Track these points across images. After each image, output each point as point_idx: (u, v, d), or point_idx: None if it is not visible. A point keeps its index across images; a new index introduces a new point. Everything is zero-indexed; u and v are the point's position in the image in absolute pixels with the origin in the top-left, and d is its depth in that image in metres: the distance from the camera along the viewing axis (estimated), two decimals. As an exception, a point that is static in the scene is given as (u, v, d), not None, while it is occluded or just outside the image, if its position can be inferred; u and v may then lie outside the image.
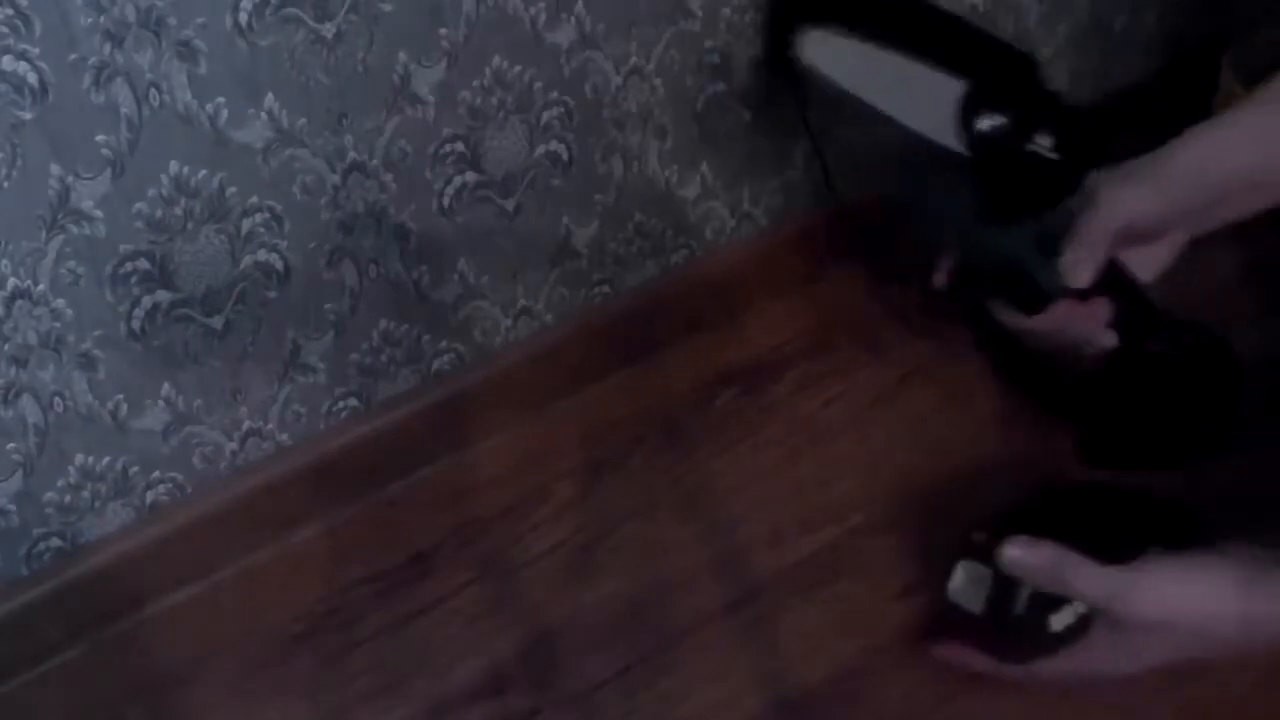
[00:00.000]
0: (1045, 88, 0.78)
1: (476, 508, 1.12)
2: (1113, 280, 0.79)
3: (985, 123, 0.74)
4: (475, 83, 0.97)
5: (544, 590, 1.06)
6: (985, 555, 0.92)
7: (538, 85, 1.00)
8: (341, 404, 1.09)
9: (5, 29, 0.74)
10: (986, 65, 0.77)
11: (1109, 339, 0.80)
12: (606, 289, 1.19)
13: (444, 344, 1.12)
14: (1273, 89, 0.81)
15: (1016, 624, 0.88)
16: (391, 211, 0.99)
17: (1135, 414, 1.00)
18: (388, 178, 0.97)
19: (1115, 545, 0.88)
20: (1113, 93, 1.47)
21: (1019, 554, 0.82)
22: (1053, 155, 0.75)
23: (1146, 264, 0.81)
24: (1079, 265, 0.76)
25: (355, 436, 1.10)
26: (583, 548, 1.09)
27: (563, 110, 1.03)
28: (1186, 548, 0.88)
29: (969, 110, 0.75)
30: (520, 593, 1.06)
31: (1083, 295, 0.78)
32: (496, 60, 0.97)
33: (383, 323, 1.06)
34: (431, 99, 0.95)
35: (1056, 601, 0.88)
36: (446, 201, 1.02)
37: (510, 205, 1.06)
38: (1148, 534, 0.90)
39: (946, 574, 0.94)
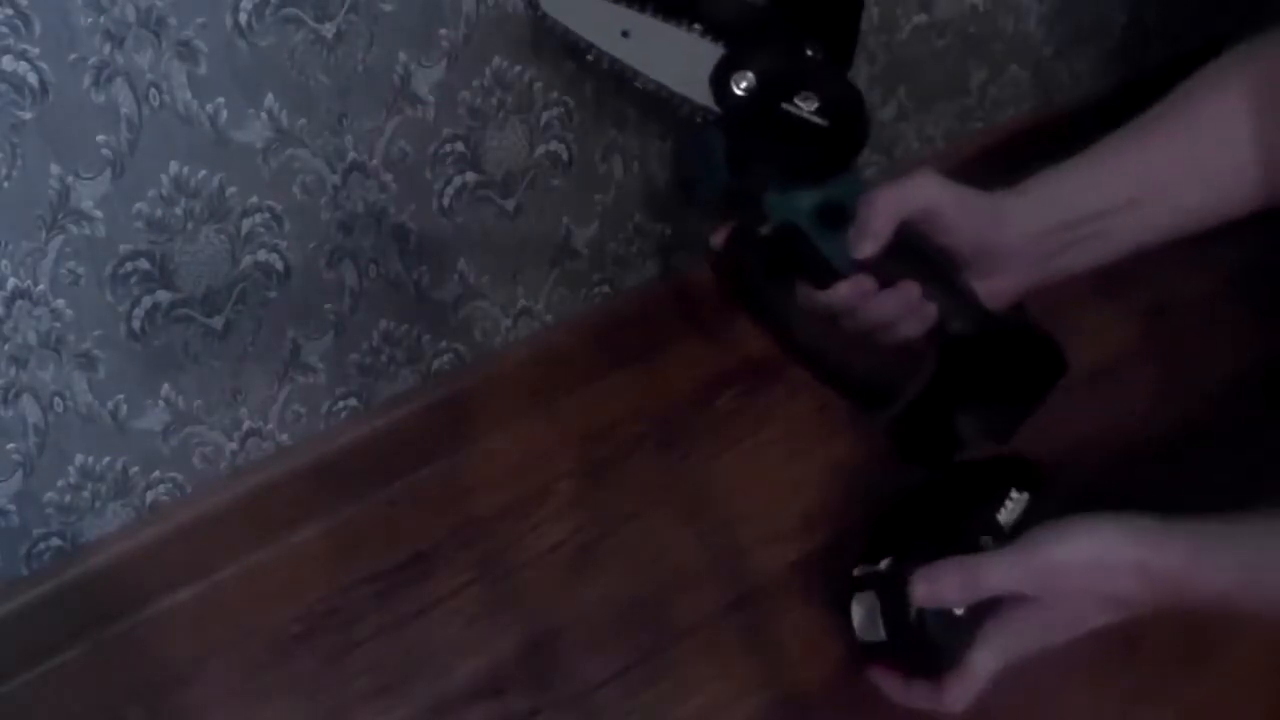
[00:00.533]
0: (818, 57, 0.76)
1: (476, 508, 1.12)
2: (918, 262, 0.75)
3: (736, 80, 0.74)
4: (475, 83, 0.97)
5: (544, 590, 1.06)
6: (871, 583, 0.92)
7: (538, 85, 1.00)
8: (341, 404, 1.09)
9: (5, 29, 0.74)
10: (746, 30, 0.76)
11: (912, 326, 0.76)
12: (606, 289, 1.19)
13: (444, 344, 1.12)
14: (1131, 126, 0.80)
15: (919, 634, 0.88)
16: (391, 211, 0.99)
17: (940, 401, 0.96)
18: (388, 178, 0.97)
19: (986, 520, 0.92)
20: (1113, 92, 1.47)
21: (926, 588, 0.81)
22: (815, 118, 0.73)
23: (988, 295, 0.77)
24: (863, 234, 0.73)
25: (355, 436, 1.10)
26: (583, 548, 1.09)
27: (563, 110, 1.03)
28: (1048, 496, 0.92)
29: (723, 68, 0.74)
30: (520, 593, 1.06)
31: (882, 275, 0.75)
32: (496, 60, 0.97)
33: (383, 323, 1.06)
34: (431, 99, 0.95)
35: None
36: (446, 201, 1.02)
37: (510, 205, 1.06)
38: (1004, 494, 0.93)
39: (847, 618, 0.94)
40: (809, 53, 0.75)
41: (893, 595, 0.88)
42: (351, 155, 0.94)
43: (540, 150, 1.05)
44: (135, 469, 1.00)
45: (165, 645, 1.03)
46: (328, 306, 1.01)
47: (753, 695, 0.98)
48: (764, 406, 1.20)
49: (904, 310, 0.75)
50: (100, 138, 0.82)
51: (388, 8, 0.88)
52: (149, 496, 1.02)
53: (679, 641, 1.02)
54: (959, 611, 0.85)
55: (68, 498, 0.97)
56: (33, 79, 0.77)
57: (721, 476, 1.14)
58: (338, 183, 0.95)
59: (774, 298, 0.79)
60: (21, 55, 0.76)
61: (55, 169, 0.81)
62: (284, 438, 1.07)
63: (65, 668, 1.01)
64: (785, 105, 0.72)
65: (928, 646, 0.87)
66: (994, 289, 0.76)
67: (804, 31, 0.77)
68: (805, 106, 0.73)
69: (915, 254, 0.75)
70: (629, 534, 1.09)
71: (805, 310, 0.78)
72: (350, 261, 1.00)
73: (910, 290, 0.74)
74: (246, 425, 1.04)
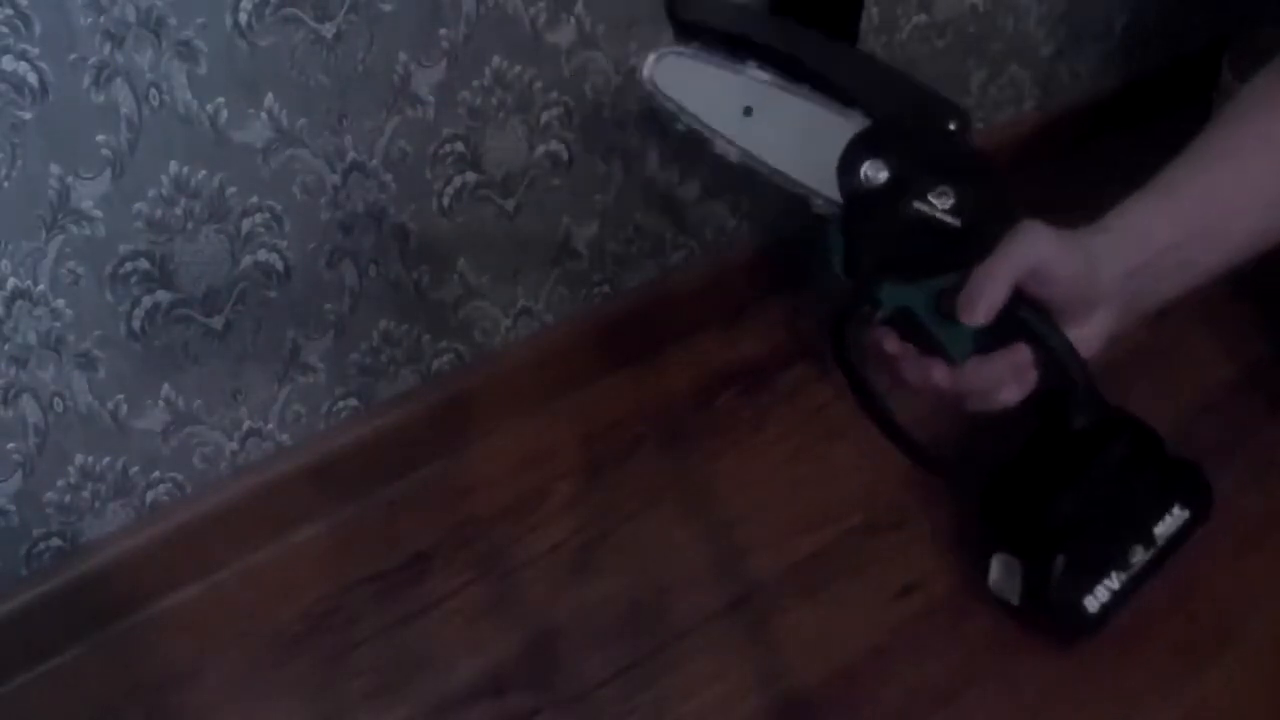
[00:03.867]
0: (959, 138, 0.68)
1: (476, 508, 1.12)
2: (1027, 328, 0.70)
3: (868, 170, 0.64)
4: (475, 83, 0.97)
5: (544, 590, 1.06)
6: (1018, 541, 0.98)
7: (538, 85, 1.00)
8: (341, 404, 1.09)
9: (5, 29, 0.74)
10: (885, 105, 0.66)
11: (1013, 393, 0.70)
12: (606, 289, 1.19)
13: (444, 344, 1.12)
14: (1193, 150, 0.78)
15: (1053, 608, 0.94)
16: (391, 211, 0.99)
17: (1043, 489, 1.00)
18: (388, 178, 0.97)
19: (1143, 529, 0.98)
20: (1113, 93, 1.47)
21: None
22: (948, 218, 0.65)
23: (1080, 343, 0.75)
24: (977, 300, 0.67)
25: (355, 436, 1.10)
26: (583, 548, 1.09)
27: (563, 110, 1.03)
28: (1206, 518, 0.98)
29: (855, 151, 0.65)
30: (520, 593, 1.06)
31: (994, 343, 0.69)
32: (496, 60, 0.97)
33: (383, 323, 1.06)
34: (431, 99, 0.95)
35: (1089, 583, 0.91)
36: (446, 201, 1.02)
37: (510, 205, 1.06)
38: (1168, 507, 1.00)
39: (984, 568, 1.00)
40: (951, 127, 0.68)
41: (1039, 565, 0.95)
42: (351, 155, 0.94)
43: (540, 150, 1.05)
44: (135, 469, 1.00)
45: (165, 645, 1.03)
46: (328, 306, 1.01)
47: (753, 695, 0.98)
48: (764, 406, 1.20)
49: (1011, 377, 0.72)
50: (100, 138, 0.82)
51: (388, 8, 0.88)
52: (149, 496, 1.02)
53: (679, 641, 1.02)
54: (1102, 603, 0.95)
55: (68, 498, 0.97)
56: (33, 79, 0.77)
57: (721, 476, 1.14)
58: (338, 183, 0.95)
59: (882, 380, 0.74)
60: (21, 55, 0.76)
61: (55, 169, 0.81)
62: (284, 438, 1.07)
63: (65, 668, 1.01)
64: (918, 204, 0.65)
65: (1055, 621, 0.96)
66: (1083, 336, 0.74)
67: (949, 104, 0.69)
68: (939, 204, 0.65)
69: (1016, 320, 0.69)
70: (629, 534, 1.09)
71: (923, 389, 0.74)
72: (350, 261, 1.00)
73: (1020, 354, 0.71)
74: (246, 425, 1.04)
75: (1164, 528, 1.01)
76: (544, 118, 1.03)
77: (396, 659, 1.01)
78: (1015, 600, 0.99)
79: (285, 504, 1.08)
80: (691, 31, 0.70)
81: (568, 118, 1.04)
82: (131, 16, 0.78)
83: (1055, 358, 0.71)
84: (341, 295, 1.01)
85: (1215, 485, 1.04)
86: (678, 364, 1.23)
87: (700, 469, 1.15)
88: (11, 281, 0.84)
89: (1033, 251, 0.68)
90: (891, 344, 0.72)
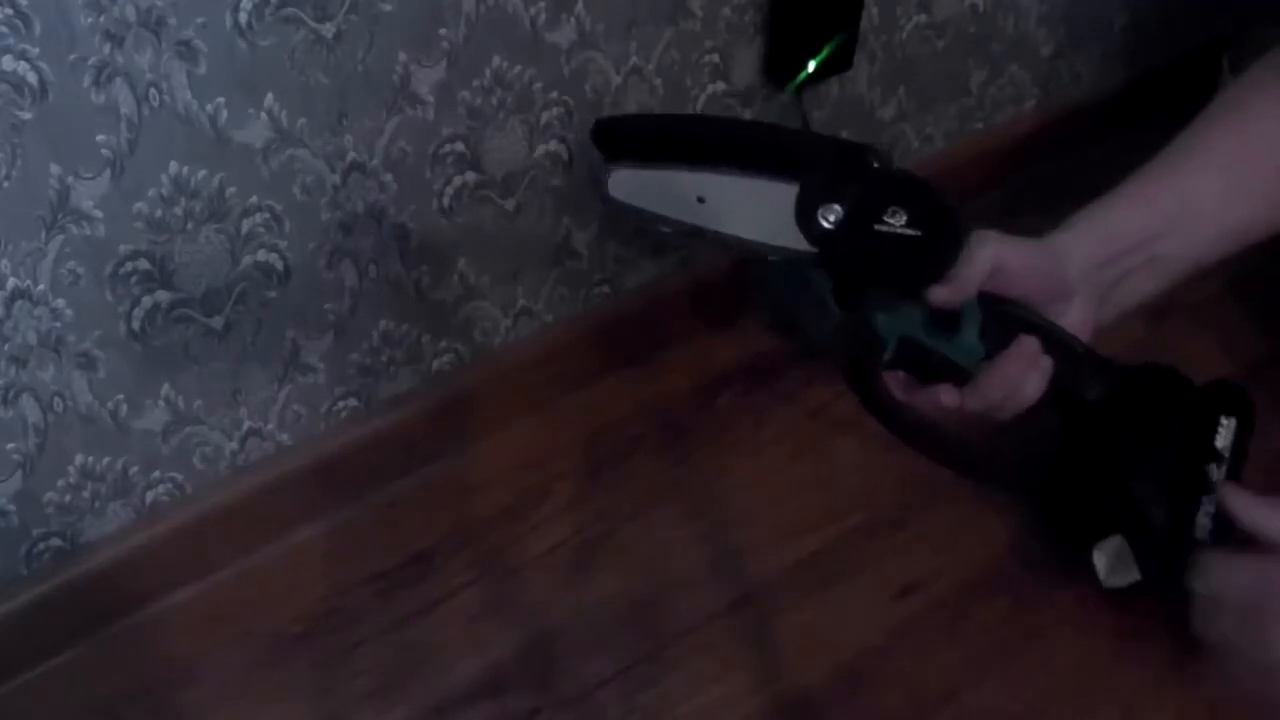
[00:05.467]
0: (886, 168, 0.75)
1: (476, 508, 1.12)
2: (1020, 319, 0.76)
3: (824, 215, 0.72)
4: (475, 83, 0.97)
5: (544, 590, 1.06)
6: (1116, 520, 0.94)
7: (538, 85, 1.00)
8: (341, 404, 1.09)
9: (5, 29, 0.74)
10: (813, 162, 0.75)
11: (1035, 385, 0.76)
12: (606, 289, 1.19)
13: (444, 344, 1.12)
14: (1169, 149, 0.80)
15: (1174, 559, 0.89)
16: (391, 211, 0.99)
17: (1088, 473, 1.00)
18: (388, 178, 0.97)
19: (1205, 448, 0.93)
20: (1113, 93, 1.47)
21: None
22: (908, 231, 0.72)
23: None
24: (951, 290, 0.73)
25: (355, 436, 1.10)
26: (582, 548, 1.09)
27: (563, 110, 1.03)
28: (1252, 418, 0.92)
29: (806, 205, 0.73)
30: (520, 593, 1.06)
31: (998, 344, 0.75)
32: (496, 60, 0.97)
33: (383, 323, 1.06)
34: (431, 99, 0.95)
35: (1189, 518, 0.91)
36: (446, 201, 1.02)
37: (510, 205, 1.06)
38: (1215, 421, 0.94)
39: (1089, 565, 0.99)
40: (875, 164, 0.75)
41: (1143, 534, 0.90)
42: (351, 155, 0.94)
43: (540, 150, 1.05)
44: (135, 469, 1.00)
45: (165, 645, 1.03)
46: (328, 306, 1.01)
47: (753, 695, 0.98)
48: (764, 406, 1.20)
49: (1028, 368, 0.75)
50: (100, 138, 0.82)
51: (388, 8, 0.88)
52: (149, 496, 1.02)
53: (679, 641, 1.02)
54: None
55: (68, 498, 0.97)
56: (33, 79, 0.77)
57: (721, 476, 1.14)
58: (338, 183, 0.95)
59: (914, 412, 0.79)
60: (21, 55, 0.76)
61: (55, 169, 0.81)
62: (284, 438, 1.07)
63: (65, 668, 1.01)
64: (878, 226, 0.72)
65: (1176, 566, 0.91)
66: (1073, 324, 0.76)
67: (863, 146, 0.76)
68: (896, 222, 0.72)
69: (1009, 316, 0.76)
70: (629, 534, 1.09)
71: (947, 413, 0.78)
72: (350, 262, 1.00)
73: (1027, 344, 0.74)
74: (246, 425, 1.04)
75: (1222, 439, 1.01)
76: (544, 118, 1.03)
77: (396, 659, 1.01)
78: (1137, 575, 0.97)
79: (285, 504, 1.08)
80: (618, 153, 0.79)
81: (568, 118, 1.04)
82: (131, 16, 0.78)
83: (1053, 336, 0.76)
84: (341, 295, 1.01)
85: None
86: (678, 364, 1.23)
87: (700, 469, 1.15)
88: (11, 281, 0.84)
89: (986, 253, 0.72)
90: (901, 389, 0.76)
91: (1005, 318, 0.75)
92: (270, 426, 1.06)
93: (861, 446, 1.15)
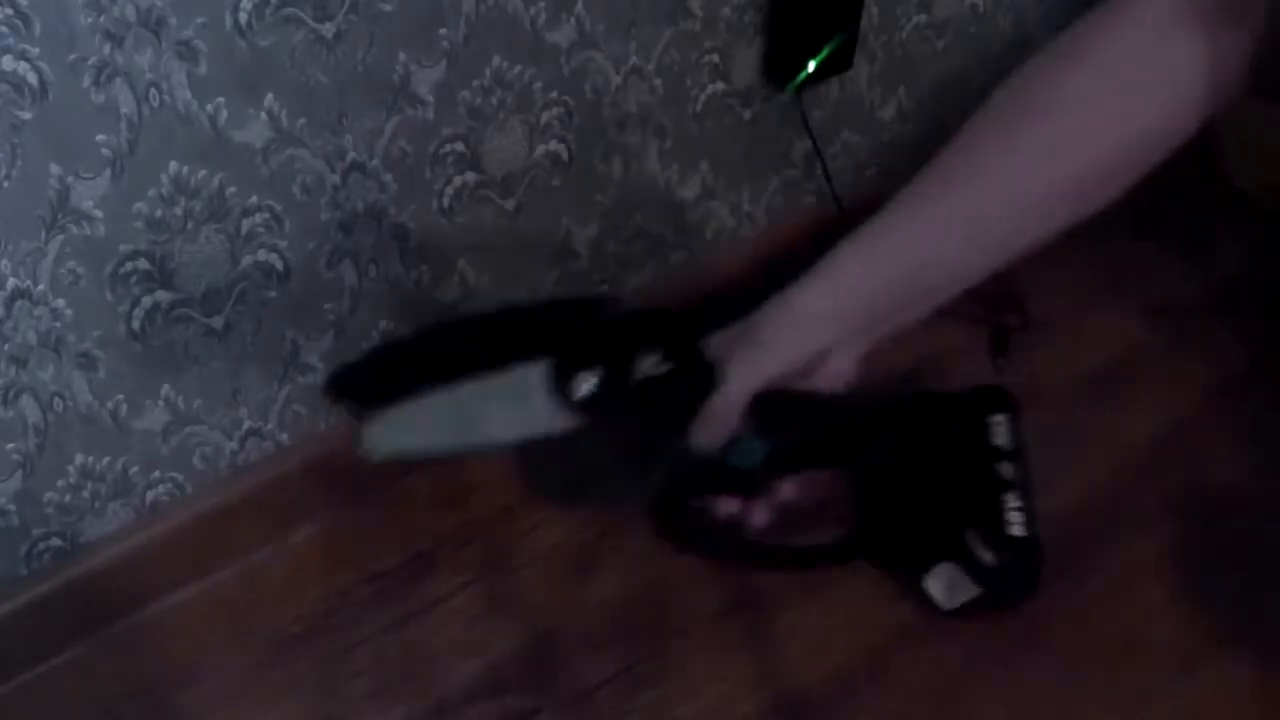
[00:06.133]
0: (627, 312, 0.74)
1: (476, 508, 1.12)
2: (798, 410, 0.74)
3: (579, 384, 0.70)
4: (475, 83, 0.97)
5: (544, 590, 1.06)
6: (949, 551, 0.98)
7: (538, 85, 1.00)
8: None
9: (5, 29, 0.74)
10: (552, 334, 0.72)
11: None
12: (606, 289, 1.19)
13: (444, 344, 1.12)
14: (911, 190, 0.77)
15: (1010, 564, 0.95)
16: (391, 211, 0.99)
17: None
18: (388, 178, 0.97)
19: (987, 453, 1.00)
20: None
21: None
22: (664, 366, 0.70)
23: (833, 380, 0.73)
24: (709, 439, 0.71)
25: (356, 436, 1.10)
26: (583, 547, 1.09)
27: (563, 110, 1.03)
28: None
29: (559, 385, 0.70)
30: (520, 593, 1.06)
31: (779, 437, 0.73)
32: (496, 60, 0.97)
33: (383, 323, 1.06)
34: (431, 99, 0.95)
35: (1006, 524, 0.96)
36: (446, 201, 1.02)
37: (510, 205, 1.06)
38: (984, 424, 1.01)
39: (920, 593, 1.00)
40: (603, 314, 0.74)
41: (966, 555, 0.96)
42: (351, 155, 0.94)
43: (540, 150, 1.05)
44: (135, 469, 1.00)
45: (165, 645, 1.03)
46: (328, 306, 1.01)
47: (753, 695, 0.98)
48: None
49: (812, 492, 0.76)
50: (100, 137, 0.82)
51: (388, 8, 0.88)
52: (149, 496, 1.02)
53: (679, 641, 1.02)
54: None
55: (68, 498, 0.97)
56: (33, 79, 0.77)
57: (721, 476, 1.14)
58: (338, 183, 0.95)
59: (729, 530, 0.78)
60: (21, 55, 0.76)
61: (55, 169, 0.81)
62: (284, 438, 1.07)
63: (65, 668, 1.01)
64: (636, 377, 0.70)
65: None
66: (831, 374, 0.73)
67: (592, 299, 0.74)
68: (650, 362, 0.70)
69: (782, 409, 0.73)
70: (629, 534, 1.09)
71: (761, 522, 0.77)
72: (350, 261, 1.00)
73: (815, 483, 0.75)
74: (246, 425, 1.04)
75: (1000, 437, 1.02)
76: (544, 118, 1.03)
77: (396, 659, 1.01)
78: (978, 590, 0.98)
79: (285, 504, 1.08)
80: (366, 400, 0.76)
81: (568, 118, 1.04)
82: (131, 16, 0.78)
83: (822, 427, 0.75)
84: (341, 295, 1.01)
85: (1222, 480, 1.04)
86: (678, 364, 1.23)
87: (700, 469, 1.15)
88: (11, 281, 0.84)
89: (744, 387, 0.69)
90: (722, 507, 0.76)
91: (777, 410, 0.73)
92: (270, 426, 1.06)
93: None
